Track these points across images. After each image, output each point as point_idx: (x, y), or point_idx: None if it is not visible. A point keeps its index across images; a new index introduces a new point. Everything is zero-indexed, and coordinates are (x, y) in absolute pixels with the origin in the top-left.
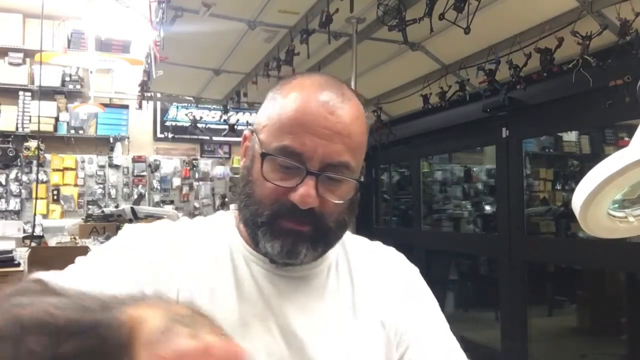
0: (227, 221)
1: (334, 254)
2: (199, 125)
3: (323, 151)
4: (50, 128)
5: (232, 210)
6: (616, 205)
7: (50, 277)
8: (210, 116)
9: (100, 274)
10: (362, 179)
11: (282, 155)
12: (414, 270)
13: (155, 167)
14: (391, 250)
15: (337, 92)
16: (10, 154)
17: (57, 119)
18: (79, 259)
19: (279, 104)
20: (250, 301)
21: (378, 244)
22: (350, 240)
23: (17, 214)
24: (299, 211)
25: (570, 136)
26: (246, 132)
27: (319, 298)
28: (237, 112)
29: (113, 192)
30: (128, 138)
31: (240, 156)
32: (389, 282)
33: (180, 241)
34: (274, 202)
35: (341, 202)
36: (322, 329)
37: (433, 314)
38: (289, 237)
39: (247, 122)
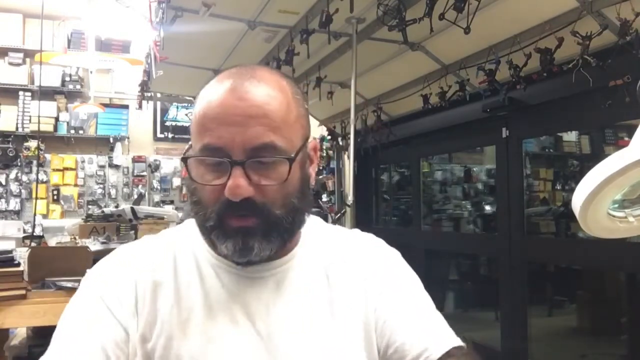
0: (193, 229)
1: (306, 248)
2: None
3: (241, 138)
4: (50, 128)
5: None
6: (616, 205)
7: None
8: None
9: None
10: (292, 155)
11: (206, 154)
12: (393, 255)
13: (155, 167)
14: (369, 237)
15: (247, 76)
16: (10, 154)
17: (57, 119)
18: (53, 338)
19: (197, 105)
20: (222, 313)
21: (356, 232)
22: (325, 232)
23: (17, 214)
24: (239, 205)
25: (570, 136)
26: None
27: (293, 296)
28: None
29: (113, 192)
30: (128, 138)
31: None
32: (367, 272)
33: (145, 274)
34: (215, 202)
35: (275, 183)
36: (296, 329)
37: (412, 296)
38: (237, 235)
39: None
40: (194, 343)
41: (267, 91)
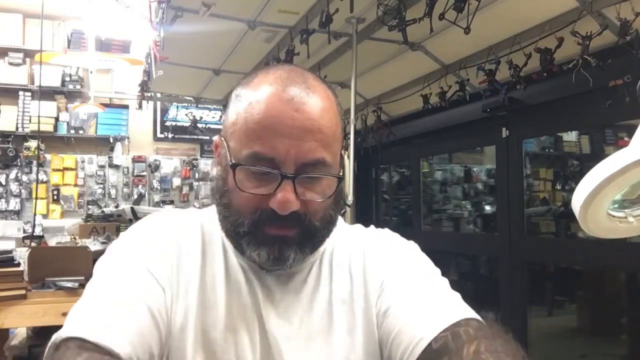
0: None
1: (321, 248)
2: (199, 125)
3: (295, 152)
4: (50, 128)
5: None
6: (616, 205)
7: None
8: (210, 116)
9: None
10: (340, 173)
11: (254, 162)
12: (404, 245)
13: (155, 167)
14: (381, 232)
15: (302, 85)
16: (10, 154)
17: (57, 119)
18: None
19: (244, 107)
20: (238, 297)
21: (370, 229)
22: (341, 232)
23: (17, 214)
24: (281, 216)
25: (570, 136)
26: (216, 139)
27: (298, 295)
28: None
29: (113, 192)
30: (128, 138)
31: (216, 164)
32: (369, 260)
33: (175, 238)
34: (254, 210)
35: (323, 199)
36: (297, 333)
37: (417, 279)
38: (274, 243)
39: None
40: (207, 318)
41: (321, 104)
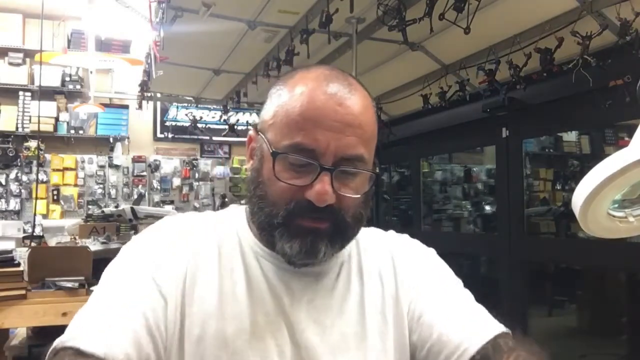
0: (239, 215)
1: (347, 250)
2: (199, 125)
3: (336, 145)
4: (50, 128)
5: (244, 206)
6: (616, 205)
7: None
8: (210, 116)
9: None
10: (377, 170)
11: (294, 152)
12: (427, 251)
13: (155, 167)
14: (404, 236)
15: (344, 82)
16: (10, 154)
17: (57, 119)
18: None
19: (285, 100)
20: (261, 304)
21: (391, 233)
22: (363, 235)
23: (17, 214)
24: (316, 209)
25: (570, 136)
26: (251, 133)
27: (329, 291)
28: (237, 112)
29: (113, 192)
30: (128, 138)
31: (247, 158)
32: (399, 267)
33: (194, 252)
34: (289, 201)
35: (358, 195)
36: (327, 324)
37: (448, 289)
38: (307, 236)
39: (247, 122)
40: (229, 327)
41: (362, 101)
